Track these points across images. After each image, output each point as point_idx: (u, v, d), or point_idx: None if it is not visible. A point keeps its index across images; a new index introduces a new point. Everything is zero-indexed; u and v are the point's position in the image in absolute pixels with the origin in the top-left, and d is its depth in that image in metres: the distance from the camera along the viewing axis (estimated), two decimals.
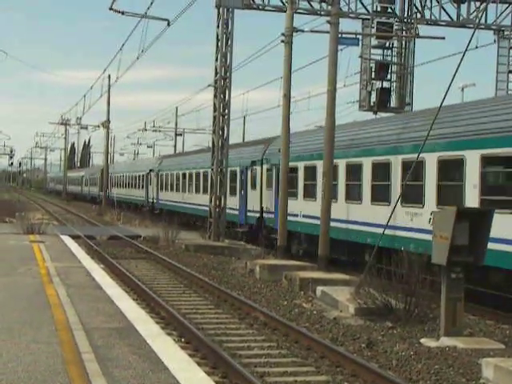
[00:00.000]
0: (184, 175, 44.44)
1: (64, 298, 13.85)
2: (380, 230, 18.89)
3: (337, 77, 22.49)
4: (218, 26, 30.35)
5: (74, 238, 29.82)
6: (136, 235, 33.78)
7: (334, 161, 22.93)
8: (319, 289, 17.89)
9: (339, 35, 23.18)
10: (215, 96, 31.11)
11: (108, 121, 62.14)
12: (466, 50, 16.91)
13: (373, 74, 29.28)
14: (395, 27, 28.94)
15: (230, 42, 30.35)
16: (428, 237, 15.56)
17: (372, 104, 29.19)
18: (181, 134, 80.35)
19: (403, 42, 29.71)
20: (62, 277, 17.03)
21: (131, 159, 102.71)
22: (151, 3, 31.11)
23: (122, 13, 32.88)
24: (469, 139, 17.79)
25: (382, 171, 21.69)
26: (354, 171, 23.15)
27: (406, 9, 29.07)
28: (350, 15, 28.31)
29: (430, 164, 18.99)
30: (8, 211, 44.92)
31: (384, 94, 29.27)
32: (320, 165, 23.72)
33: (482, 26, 28.51)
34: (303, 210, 26.35)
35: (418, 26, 29.06)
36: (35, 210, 57.54)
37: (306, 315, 15.73)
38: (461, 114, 19.15)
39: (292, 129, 26.54)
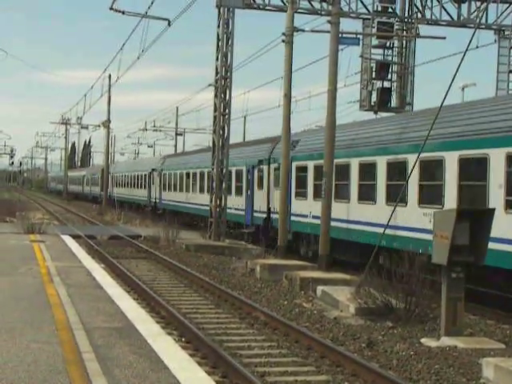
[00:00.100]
0: (188, 175, 43.79)
1: (64, 298, 13.86)
2: (394, 232, 18.69)
3: (337, 76, 22.51)
4: (219, 26, 30.36)
5: (75, 237, 29.82)
6: (136, 235, 33.78)
7: (346, 160, 22.44)
8: (320, 288, 17.89)
9: (340, 35, 23.17)
10: (216, 96, 31.12)
11: (108, 120, 62.12)
12: (467, 49, 16.92)
13: (373, 73, 29.25)
14: (396, 27, 28.95)
15: (230, 42, 30.35)
16: None
17: (373, 104, 29.16)
18: (181, 134, 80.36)
19: (404, 42, 29.69)
20: (63, 276, 17.04)
21: (132, 159, 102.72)
22: (152, 3, 31.11)
23: (123, 12, 32.88)
24: (493, 137, 17.01)
25: (397, 170, 20.81)
26: (368, 170, 22.32)
27: (407, 8, 29.04)
28: (351, 15, 28.28)
29: (451, 163, 18.25)
30: (8, 211, 44.92)
31: (384, 93, 29.24)
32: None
33: (483, 26, 28.47)
34: (313, 210, 25.35)
35: (419, 25, 29.03)
36: (36, 210, 57.58)
37: (307, 315, 15.73)
38: (483, 109, 18.23)
39: (293, 128, 26.57)
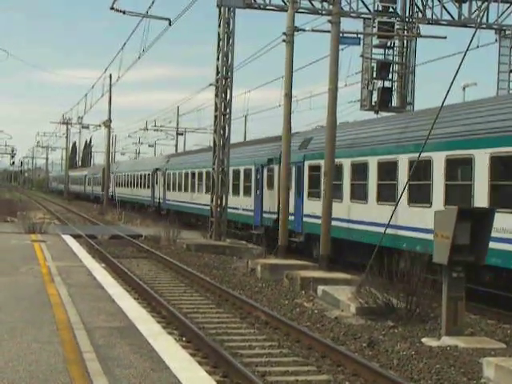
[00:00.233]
0: (193, 174, 42.70)
1: (65, 298, 13.87)
2: (417, 235, 18.26)
3: (338, 76, 22.49)
4: (220, 26, 30.38)
5: (76, 237, 29.84)
6: (137, 234, 33.79)
7: (363, 158, 21.62)
8: (320, 288, 17.89)
9: (340, 34, 23.17)
10: (216, 95, 31.13)
11: (109, 120, 62.13)
12: (468, 49, 16.90)
13: (374, 73, 29.25)
14: (396, 26, 28.92)
15: (231, 42, 30.37)
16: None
17: (373, 103, 29.17)
18: (182, 134, 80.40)
19: (404, 42, 29.69)
20: (64, 276, 17.04)
21: (133, 158, 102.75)
22: (152, 3, 31.13)
23: (124, 12, 32.87)
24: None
25: (420, 170, 19.47)
26: (387, 170, 21.16)
27: (408, 8, 29.02)
28: (352, 14, 28.27)
29: (480, 161, 17.19)
30: (9, 211, 44.91)
31: (385, 93, 29.23)
32: (346, 163, 22.72)
33: (484, 26, 28.47)
34: None
35: (420, 25, 29.03)
36: (36, 210, 57.58)
37: (307, 314, 15.73)
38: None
39: (293, 128, 26.57)
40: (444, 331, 13.30)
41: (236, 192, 34.41)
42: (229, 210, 31.76)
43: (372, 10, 28.49)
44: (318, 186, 25.11)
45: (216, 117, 31.20)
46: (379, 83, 29.46)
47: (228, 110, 30.99)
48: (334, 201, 22.26)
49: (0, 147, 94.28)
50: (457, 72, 16.68)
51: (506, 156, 16.61)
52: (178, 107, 78.85)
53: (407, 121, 22.03)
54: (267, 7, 27.68)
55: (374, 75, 29.28)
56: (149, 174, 55.48)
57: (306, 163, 26.82)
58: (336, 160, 22.46)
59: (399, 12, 29.02)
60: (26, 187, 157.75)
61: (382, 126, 23.37)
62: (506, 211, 15.96)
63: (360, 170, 22.94)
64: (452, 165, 18.56)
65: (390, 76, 29.65)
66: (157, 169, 53.16)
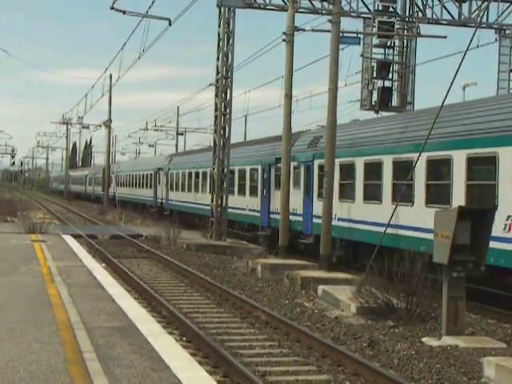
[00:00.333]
0: (197, 174, 41.92)
1: (65, 298, 13.87)
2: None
3: (338, 76, 22.48)
4: (220, 26, 30.37)
5: (76, 237, 29.85)
6: (138, 234, 33.78)
7: (378, 157, 20.82)
8: (321, 288, 17.89)
9: (340, 34, 23.17)
10: (217, 95, 31.13)
11: (109, 120, 62.12)
12: (468, 48, 16.91)
13: (374, 73, 29.24)
14: (396, 26, 28.90)
15: (231, 42, 30.36)
16: (502, 245, 14.95)
17: (373, 103, 29.16)
18: (182, 134, 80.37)
19: (405, 41, 29.68)
20: (64, 276, 17.04)
21: (133, 158, 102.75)
22: (152, 2, 31.13)
23: (124, 12, 32.86)
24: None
25: (439, 169, 18.87)
26: (404, 169, 20.14)
27: (408, 8, 29.03)
28: (352, 14, 28.28)
29: (506, 160, 16.24)
30: (10, 211, 44.95)
31: (385, 93, 29.22)
32: (359, 162, 22.19)
33: (484, 25, 28.47)
34: (339, 212, 23.33)
35: (420, 24, 29.04)
36: (37, 210, 57.61)
37: (308, 314, 15.73)
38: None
39: (294, 128, 26.57)
40: (444, 331, 13.30)
41: (242, 192, 34.01)
42: (234, 211, 31.55)
43: (372, 9, 28.50)
44: None
45: (216, 117, 31.20)
46: (379, 83, 29.45)
47: (228, 110, 31.00)
48: (347, 201, 22.07)
49: (0, 147, 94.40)
50: (457, 71, 16.70)
51: None
52: (178, 107, 78.92)
53: (429, 118, 20.13)
54: (267, 7, 27.69)
55: (374, 75, 29.27)
56: (151, 174, 54.94)
57: (316, 162, 25.87)
58: (350, 159, 22.13)
59: (399, 12, 29.02)
60: (27, 187, 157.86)
61: (396, 123, 22.58)
62: None
63: (373, 170, 22.04)
64: (474, 164, 17.64)
65: (390, 76, 29.64)
66: (159, 168, 52.51)
